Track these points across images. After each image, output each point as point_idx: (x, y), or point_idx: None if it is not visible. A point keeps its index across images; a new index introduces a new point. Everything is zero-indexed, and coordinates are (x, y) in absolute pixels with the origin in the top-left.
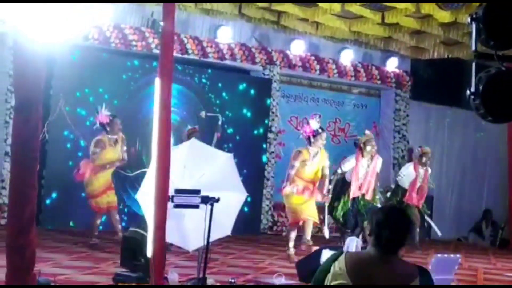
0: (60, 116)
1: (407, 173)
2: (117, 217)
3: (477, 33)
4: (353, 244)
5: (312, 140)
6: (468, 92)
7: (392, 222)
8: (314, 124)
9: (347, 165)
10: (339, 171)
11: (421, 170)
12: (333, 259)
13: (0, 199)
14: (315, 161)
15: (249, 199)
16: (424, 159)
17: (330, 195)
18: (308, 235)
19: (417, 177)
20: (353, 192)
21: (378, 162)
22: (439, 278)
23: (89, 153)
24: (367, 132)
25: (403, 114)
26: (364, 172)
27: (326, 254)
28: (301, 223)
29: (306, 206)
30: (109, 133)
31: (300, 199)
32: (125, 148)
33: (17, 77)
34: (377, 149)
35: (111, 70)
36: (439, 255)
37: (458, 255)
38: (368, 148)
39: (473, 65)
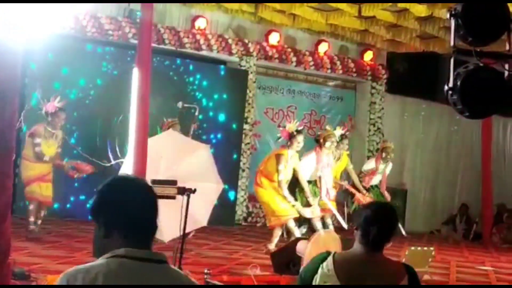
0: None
1: (368, 168)
2: (42, 213)
3: (455, 29)
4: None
5: (288, 143)
6: (446, 87)
7: (380, 218)
8: (291, 127)
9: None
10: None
11: (382, 165)
12: (321, 260)
13: None
14: (290, 164)
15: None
16: (383, 154)
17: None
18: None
19: (375, 171)
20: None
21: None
22: None
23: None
24: (328, 127)
25: (378, 107)
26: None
27: (301, 245)
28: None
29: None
30: (49, 125)
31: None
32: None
33: None
34: (349, 143)
35: (88, 60)
36: (412, 247)
37: (431, 248)
38: (327, 144)
39: (452, 60)
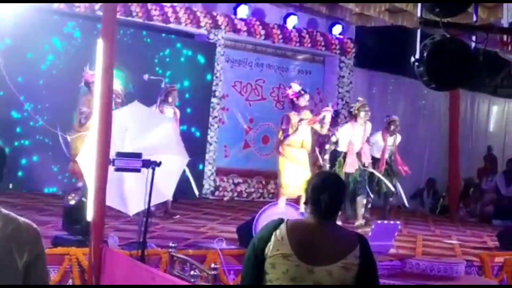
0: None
1: (375, 141)
2: None
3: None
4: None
5: (296, 102)
6: (412, 59)
7: (330, 186)
8: (296, 86)
9: (341, 132)
10: (333, 139)
11: (390, 139)
12: (274, 227)
13: None
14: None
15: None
16: (392, 127)
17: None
18: None
19: (386, 146)
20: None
21: (368, 127)
22: (378, 244)
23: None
24: (360, 98)
25: (346, 81)
26: (359, 138)
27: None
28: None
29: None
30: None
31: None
32: None
33: None
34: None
35: (54, 32)
36: (379, 221)
37: (397, 222)
38: (362, 114)
39: (418, 32)
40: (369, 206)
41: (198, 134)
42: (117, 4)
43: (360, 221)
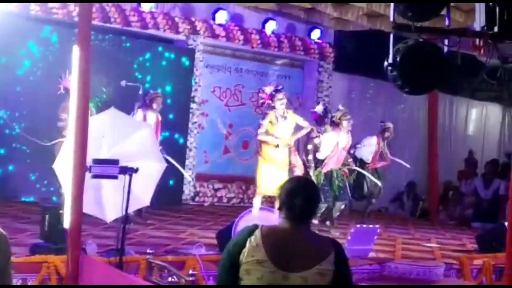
0: None
1: (368, 143)
2: None
3: (395, 4)
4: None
5: (272, 104)
6: (385, 63)
7: (304, 190)
8: (268, 89)
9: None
10: (316, 141)
11: (382, 144)
12: (249, 233)
13: None
14: (283, 124)
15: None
16: (386, 134)
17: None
18: None
19: (378, 151)
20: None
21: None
22: (357, 248)
23: None
24: (341, 107)
25: (326, 86)
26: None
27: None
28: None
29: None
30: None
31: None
32: None
33: None
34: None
35: (30, 36)
36: (358, 225)
37: (377, 226)
38: (345, 123)
39: (391, 36)
40: (347, 209)
41: (181, 140)
42: (92, 6)
43: (331, 227)
